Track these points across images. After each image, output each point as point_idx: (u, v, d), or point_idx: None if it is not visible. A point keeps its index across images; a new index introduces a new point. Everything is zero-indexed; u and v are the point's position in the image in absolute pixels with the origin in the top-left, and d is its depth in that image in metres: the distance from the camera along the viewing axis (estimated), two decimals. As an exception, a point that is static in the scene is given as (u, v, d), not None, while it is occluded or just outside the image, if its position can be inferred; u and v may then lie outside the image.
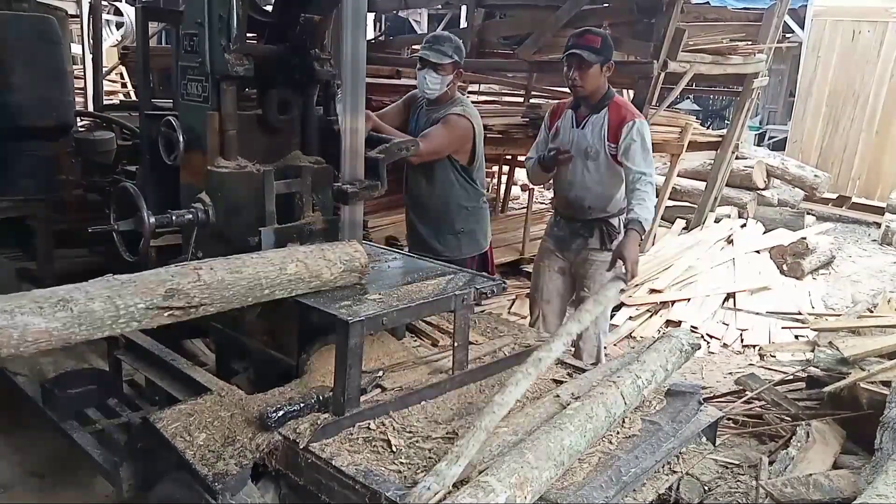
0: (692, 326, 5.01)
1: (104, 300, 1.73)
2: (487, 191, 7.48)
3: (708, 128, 10.41)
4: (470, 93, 7.43)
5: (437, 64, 3.23)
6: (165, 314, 1.82)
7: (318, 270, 2.18)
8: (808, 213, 7.97)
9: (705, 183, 7.03)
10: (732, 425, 3.55)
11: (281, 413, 2.06)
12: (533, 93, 7.19)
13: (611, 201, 3.30)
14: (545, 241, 3.53)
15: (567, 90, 3.47)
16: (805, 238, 6.45)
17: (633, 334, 5.00)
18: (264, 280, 2.05)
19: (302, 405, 2.10)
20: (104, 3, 9.40)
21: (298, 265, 2.15)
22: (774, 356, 4.65)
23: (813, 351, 3.96)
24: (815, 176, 8.48)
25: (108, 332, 1.76)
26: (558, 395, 2.19)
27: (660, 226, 6.60)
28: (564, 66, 3.25)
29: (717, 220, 7.01)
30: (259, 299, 2.06)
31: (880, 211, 8.38)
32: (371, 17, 8.79)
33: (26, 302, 1.64)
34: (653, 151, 3.27)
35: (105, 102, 4.85)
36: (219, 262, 2.01)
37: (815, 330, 4.28)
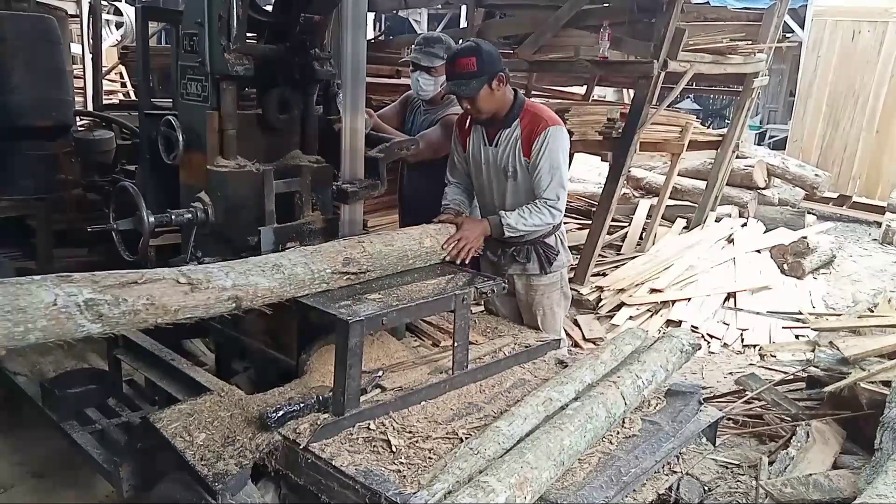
0: (692, 326, 5.01)
1: (303, 266, 2.16)
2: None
3: (708, 127, 10.39)
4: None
5: (430, 67, 3.24)
6: (344, 277, 2.26)
7: (438, 245, 2.62)
8: (809, 213, 7.95)
9: (706, 182, 7.02)
10: (732, 425, 3.55)
11: (281, 413, 2.06)
12: (533, 92, 7.19)
13: None
14: (482, 266, 3.07)
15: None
16: (806, 237, 6.44)
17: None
18: (409, 252, 2.50)
19: (302, 405, 2.10)
20: (104, 2, 9.40)
21: (431, 240, 2.60)
22: (775, 356, 4.65)
23: (813, 351, 3.96)
24: (816, 175, 8.47)
25: (306, 290, 2.17)
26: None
27: (660, 225, 6.60)
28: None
29: (717, 220, 7.00)
30: (405, 267, 2.50)
31: (881, 210, 8.38)
32: (371, 16, 8.79)
33: (251, 266, 2.07)
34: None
35: (105, 102, 4.86)
36: (376, 237, 2.48)
37: (815, 330, 4.27)
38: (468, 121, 2.98)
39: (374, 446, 2.03)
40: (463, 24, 10.01)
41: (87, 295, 1.72)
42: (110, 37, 9.98)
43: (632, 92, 5.45)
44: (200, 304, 1.90)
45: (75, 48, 7.38)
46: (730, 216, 7.23)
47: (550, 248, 2.99)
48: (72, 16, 7.40)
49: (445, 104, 3.33)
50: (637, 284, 5.48)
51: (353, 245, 2.34)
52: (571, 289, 5.35)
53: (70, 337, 1.71)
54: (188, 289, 1.87)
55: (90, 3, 5.78)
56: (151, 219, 2.34)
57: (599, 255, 5.69)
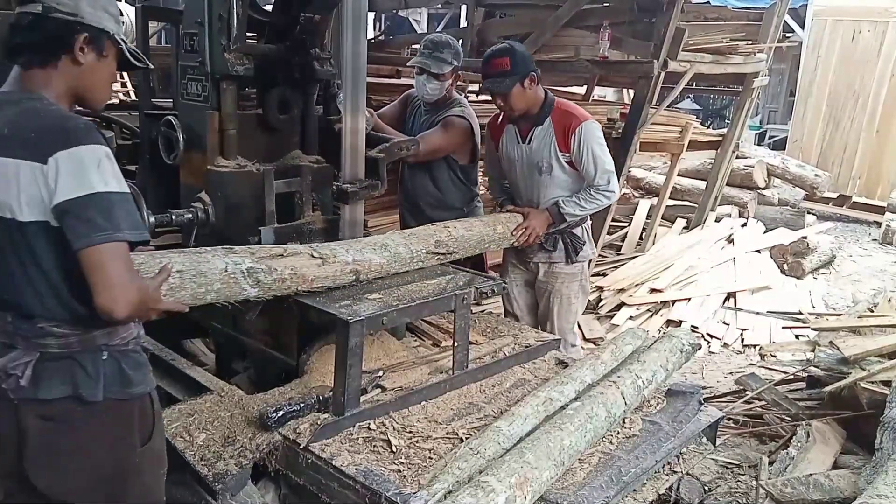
0: (692, 326, 5.00)
1: (404, 246, 2.46)
2: (488, 190, 7.48)
3: (708, 127, 10.40)
4: (470, 92, 7.42)
5: (439, 73, 3.20)
6: (435, 258, 2.57)
7: (511, 230, 2.96)
8: (809, 213, 7.95)
9: (706, 182, 7.02)
10: (732, 425, 3.55)
11: (281, 413, 2.06)
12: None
13: None
14: (507, 256, 3.31)
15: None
16: (806, 237, 6.44)
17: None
18: (485, 237, 2.84)
19: (302, 405, 2.10)
20: (104, 2, 9.37)
21: (502, 227, 2.93)
22: (775, 356, 4.65)
23: (813, 351, 3.96)
24: (816, 175, 8.47)
25: (406, 267, 2.46)
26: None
27: (660, 225, 6.60)
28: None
29: (717, 220, 7.00)
30: (481, 251, 2.89)
31: (881, 210, 8.37)
32: (371, 16, 8.79)
33: (365, 245, 2.36)
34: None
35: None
36: (459, 223, 2.79)
37: (815, 329, 4.27)
38: (499, 120, 3.17)
39: (375, 446, 2.03)
40: (463, 24, 10.01)
41: (248, 264, 2.02)
42: (110, 37, 9.97)
43: (632, 92, 5.45)
44: (329, 275, 2.20)
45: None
46: (730, 216, 7.23)
47: (577, 238, 3.12)
48: (72, 16, 7.38)
49: (447, 106, 3.32)
50: (637, 284, 5.48)
51: (441, 230, 2.67)
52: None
53: (234, 299, 2.01)
54: (320, 262, 2.17)
55: (90, 3, 5.76)
56: (152, 219, 2.34)
57: (599, 255, 5.69)
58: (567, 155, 2.98)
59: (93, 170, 1.44)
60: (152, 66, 1.83)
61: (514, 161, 3.12)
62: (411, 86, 3.59)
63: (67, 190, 1.42)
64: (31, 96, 1.55)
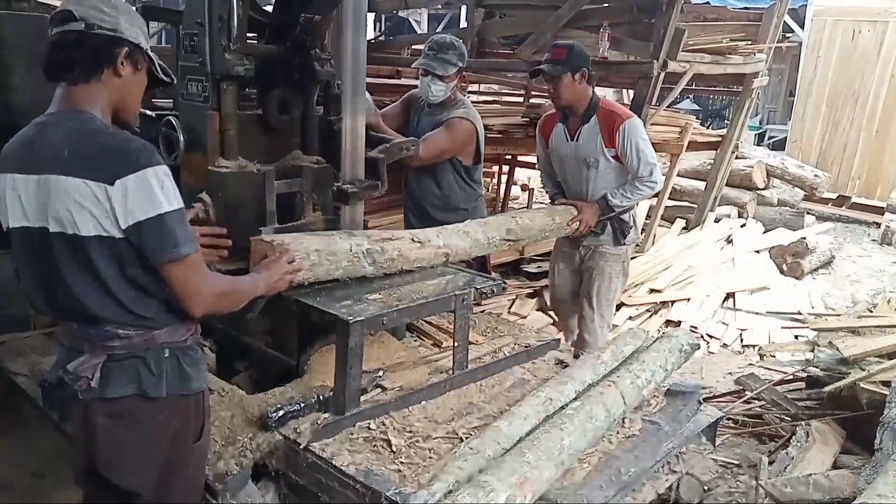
0: (692, 326, 5.01)
1: (482, 233, 2.79)
2: (487, 190, 7.48)
3: (708, 127, 10.40)
4: (470, 92, 7.40)
5: (443, 75, 3.22)
6: (506, 244, 2.98)
7: (566, 220, 3.28)
8: (808, 213, 7.96)
9: (705, 183, 7.02)
10: (732, 425, 3.55)
11: (281, 413, 2.06)
12: (533, 93, 7.18)
13: None
14: (559, 242, 3.62)
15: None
16: (805, 238, 6.45)
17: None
18: (546, 226, 3.20)
19: (302, 405, 2.10)
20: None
21: (560, 217, 3.27)
22: (774, 356, 4.65)
23: (813, 351, 3.96)
24: (815, 176, 8.47)
25: (484, 251, 2.91)
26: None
27: (659, 226, 6.60)
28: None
29: (716, 220, 7.00)
30: (542, 238, 3.35)
31: (880, 211, 8.38)
32: (371, 17, 8.79)
33: (451, 232, 2.67)
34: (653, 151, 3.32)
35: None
36: (524, 214, 3.18)
37: (814, 330, 4.27)
38: (548, 121, 3.51)
39: (375, 446, 2.03)
40: (463, 24, 10.02)
41: (367, 245, 2.29)
42: (110, 37, 9.96)
43: (632, 92, 5.45)
44: (426, 257, 2.48)
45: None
46: (729, 217, 7.23)
47: (625, 223, 3.41)
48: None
49: (450, 106, 3.31)
50: (636, 285, 5.48)
51: (510, 220, 3.02)
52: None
53: (355, 275, 2.28)
54: (419, 246, 2.45)
55: (90, 3, 5.77)
56: (152, 219, 2.34)
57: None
58: (613, 150, 3.25)
59: (158, 191, 1.56)
60: (176, 81, 1.91)
61: (563, 158, 3.41)
62: (412, 86, 3.59)
63: (139, 212, 1.54)
64: (78, 115, 1.63)
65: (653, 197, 3.44)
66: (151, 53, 1.75)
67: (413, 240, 2.44)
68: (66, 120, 1.63)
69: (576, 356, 3.05)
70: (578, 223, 3.28)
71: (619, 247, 3.41)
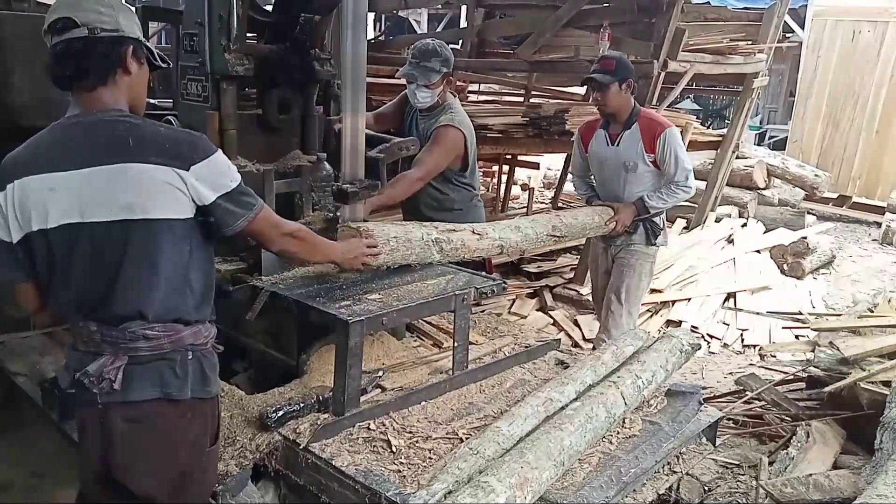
0: (692, 326, 5.00)
1: (531, 229, 3.06)
2: (487, 190, 7.49)
3: (708, 127, 10.38)
4: (470, 92, 7.41)
5: (426, 84, 3.21)
6: (552, 239, 3.22)
7: (605, 220, 3.43)
8: (809, 213, 7.95)
9: (706, 182, 7.01)
10: (732, 425, 3.54)
11: (281, 413, 2.06)
12: (533, 93, 7.19)
13: None
14: (595, 242, 3.81)
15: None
16: (805, 238, 6.44)
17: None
18: (587, 224, 3.39)
19: (302, 405, 2.10)
20: (104, 2, 9.36)
21: (598, 216, 3.43)
22: (775, 356, 4.64)
23: (813, 351, 3.95)
24: (816, 175, 8.47)
25: (533, 245, 3.23)
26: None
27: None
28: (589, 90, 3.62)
29: (717, 220, 7.00)
30: (583, 236, 3.66)
31: (881, 210, 8.38)
32: (371, 17, 8.78)
33: (504, 227, 2.95)
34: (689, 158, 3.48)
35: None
36: (566, 213, 3.39)
37: (815, 330, 4.26)
38: (590, 127, 3.69)
39: (374, 446, 2.03)
40: (463, 24, 10.01)
41: (435, 235, 2.53)
42: (110, 37, 9.96)
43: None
44: (484, 247, 2.75)
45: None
46: (730, 216, 7.23)
47: (656, 225, 3.57)
48: (72, 16, 7.39)
49: (439, 111, 3.30)
50: (637, 284, 5.46)
51: (554, 217, 3.26)
52: (571, 289, 5.39)
53: (426, 260, 2.52)
54: (478, 237, 2.71)
55: (90, 3, 5.77)
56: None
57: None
58: (652, 155, 3.43)
59: (227, 168, 1.72)
60: (171, 65, 1.94)
61: (602, 161, 3.59)
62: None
63: (221, 186, 1.68)
64: (115, 114, 1.66)
65: (687, 202, 3.55)
66: (147, 42, 1.77)
67: (473, 232, 2.70)
68: (101, 119, 1.64)
69: (593, 349, 3.14)
70: (615, 223, 3.45)
71: (650, 247, 3.58)
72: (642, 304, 5.25)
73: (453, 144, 3.26)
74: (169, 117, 2.59)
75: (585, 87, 3.78)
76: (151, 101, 3.03)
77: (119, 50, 1.66)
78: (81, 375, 1.63)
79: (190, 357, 1.71)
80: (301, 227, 2.02)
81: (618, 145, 3.52)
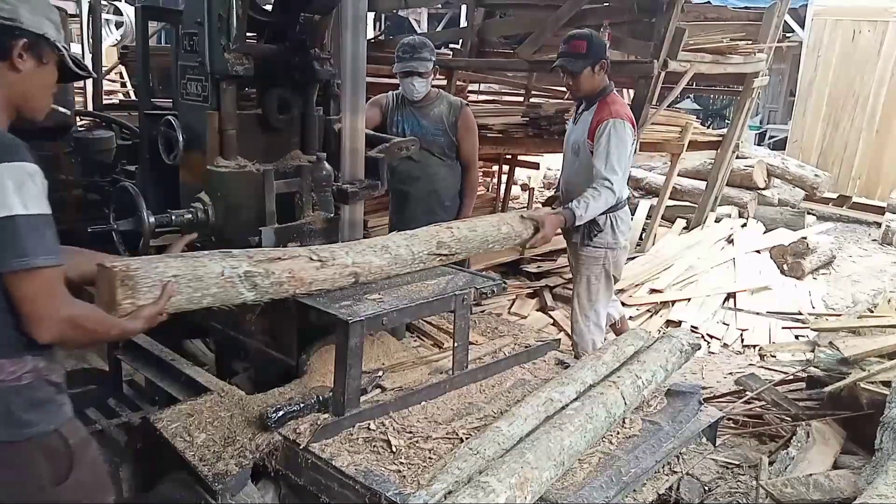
0: (692, 326, 5.00)
1: (405, 248, 2.38)
2: (487, 190, 7.50)
3: (708, 127, 10.39)
4: (470, 92, 7.43)
5: (425, 71, 3.40)
6: (437, 259, 2.48)
7: (517, 232, 2.84)
8: (809, 213, 7.95)
9: (705, 182, 7.02)
10: (732, 425, 3.55)
11: (281, 413, 2.05)
12: (533, 92, 7.20)
13: None
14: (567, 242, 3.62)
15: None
16: (805, 238, 6.44)
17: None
18: (489, 237, 2.69)
19: (302, 405, 2.10)
20: (104, 2, 9.40)
21: (507, 227, 2.81)
22: (775, 356, 4.65)
23: (813, 351, 3.96)
24: (816, 175, 8.47)
25: (408, 268, 2.40)
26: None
27: (660, 226, 6.59)
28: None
29: (717, 220, 7.00)
30: (485, 251, 2.77)
31: (881, 210, 8.37)
32: (371, 16, 8.79)
33: (365, 247, 2.30)
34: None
35: (105, 102, 4.85)
36: (462, 224, 2.66)
37: (815, 330, 4.27)
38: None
39: (374, 446, 2.03)
40: (463, 23, 10.01)
41: (246, 268, 1.98)
42: (110, 37, 9.98)
43: (632, 92, 5.45)
44: (328, 277, 2.17)
45: (75, 48, 7.37)
46: (730, 216, 7.23)
47: (595, 225, 3.23)
48: (71, 15, 7.39)
49: (436, 99, 3.54)
50: (637, 285, 5.47)
51: (443, 230, 2.57)
52: (571, 289, 5.37)
53: (232, 302, 1.98)
54: (319, 265, 2.13)
55: (90, 2, 5.78)
56: (152, 219, 2.33)
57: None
58: (591, 144, 3.16)
59: (10, 191, 1.38)
60: (95, 76, 1.81)
61: (566, 140, 3.40)
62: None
63: None
64: None
65: (611, 210, 3.21)
66: (63, 45, 1.59)
67: (312, 258, 2.13)
68: None
69: (576, 356, 3.05)
70: (539, 237, 2.92)
71: (588, 248, 3.29)
72: (642, 304, 5.28)
73: (473, 119, 3.54)
74: (168, 117, 2.59)
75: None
76: (153, 100, 3.04)
77: (8, 40, 1.49)
78: None
79: None
80: (90, 310, 1.57)
81: (576, 124, 3.31)
